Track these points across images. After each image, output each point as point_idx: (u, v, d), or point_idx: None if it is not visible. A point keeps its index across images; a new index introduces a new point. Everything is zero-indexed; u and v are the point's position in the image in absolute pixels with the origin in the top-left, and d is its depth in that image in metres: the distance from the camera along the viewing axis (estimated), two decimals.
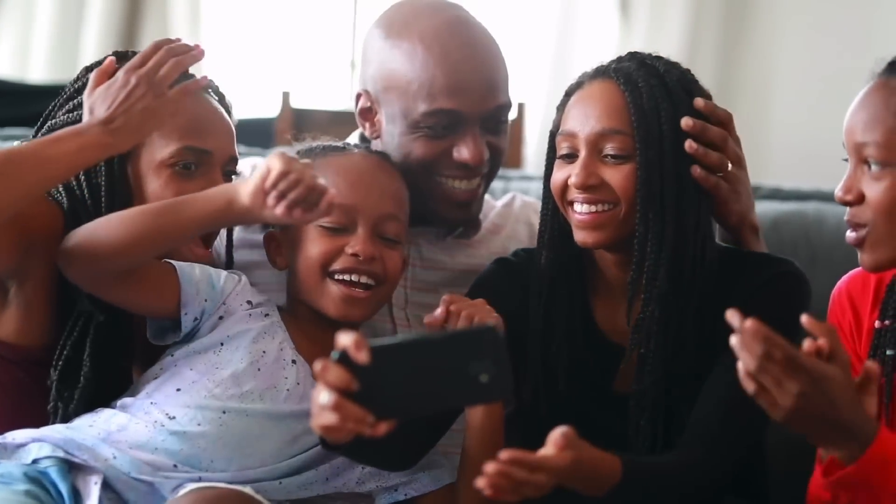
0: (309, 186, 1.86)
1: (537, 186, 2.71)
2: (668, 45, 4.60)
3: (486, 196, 2.39)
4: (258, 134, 3.52)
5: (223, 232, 2.20)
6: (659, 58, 2.08)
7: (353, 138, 2.36)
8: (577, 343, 2.07)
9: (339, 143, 2.20)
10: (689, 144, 2.00)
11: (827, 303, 2.04)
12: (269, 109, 4.28)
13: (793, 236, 2.70)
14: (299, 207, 1.86)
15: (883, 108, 1.86)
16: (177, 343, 2.06)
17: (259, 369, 2.01)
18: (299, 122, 4.03)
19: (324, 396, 1.60)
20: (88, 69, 2.13)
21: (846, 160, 1.90)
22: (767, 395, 1.67)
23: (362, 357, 1.59)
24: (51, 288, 2.06)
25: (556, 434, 1.68)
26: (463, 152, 2.19)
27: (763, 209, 2.75)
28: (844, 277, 2.05)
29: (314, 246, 2.05)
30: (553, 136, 2.08)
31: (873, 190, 1.86)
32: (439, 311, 1.97)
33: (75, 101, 2.11)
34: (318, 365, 1.60)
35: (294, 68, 5.05)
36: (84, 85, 2.06)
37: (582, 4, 4.89)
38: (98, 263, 1.98)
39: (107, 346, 2.08)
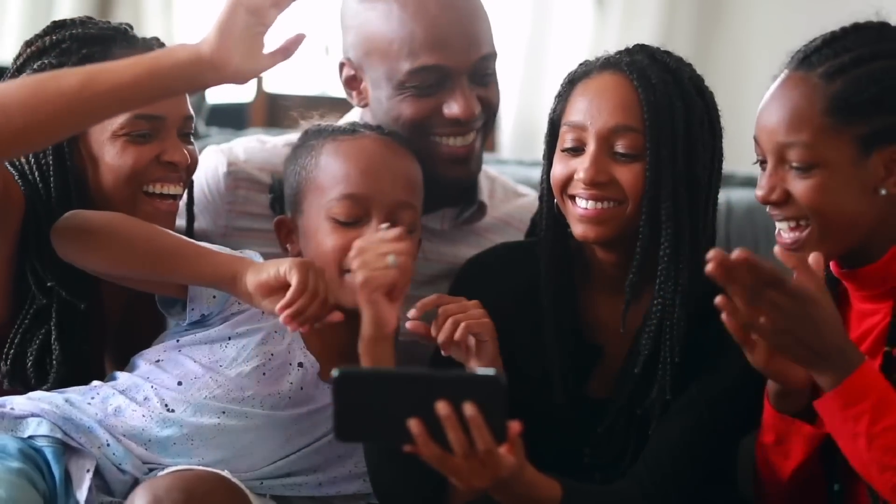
0: (322, 303, 1.85)
1: (512, 171, 2.70)
2: (643, 35, 4.60)
3: (511, 188, 2.36)
4: (232, 118, 3.52)
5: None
6: (669, 53, 1.98)
7: (353, 117, 2.29)
8: (564, 342, 1.99)
9: (349, 126, 2.10)
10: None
11: None
12: (243, 94, 4.26)
13: (767, 225, 2.68)
14: (307, 323, 1.86)
15: (807, 107, 1.76)
16: (183, 326, 2.02)
17: (264, 374, 1.98)
18: (273, 107, 4.02)
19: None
20: (57, 24, 2.07)
21: (763, 161, 1.82)
22: (752, 327, 1.62)
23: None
24: (11, 268, 2.02)
25: (512, 432, 1.62)
26: (453, 108, 2.13)
27: (738, 197, 2.76)
28: None
29: (328, 240, 1.98)
30: (554, 123, 2.00)
31: (801, 187, 1.77)
32: (413, 311, 1.91)
33: (43, 60, 2.03)
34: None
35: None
36: (55, 42, 2.02)
37: None
38: (87, 265, 1.98)
39: (71, 329, 2.04)
